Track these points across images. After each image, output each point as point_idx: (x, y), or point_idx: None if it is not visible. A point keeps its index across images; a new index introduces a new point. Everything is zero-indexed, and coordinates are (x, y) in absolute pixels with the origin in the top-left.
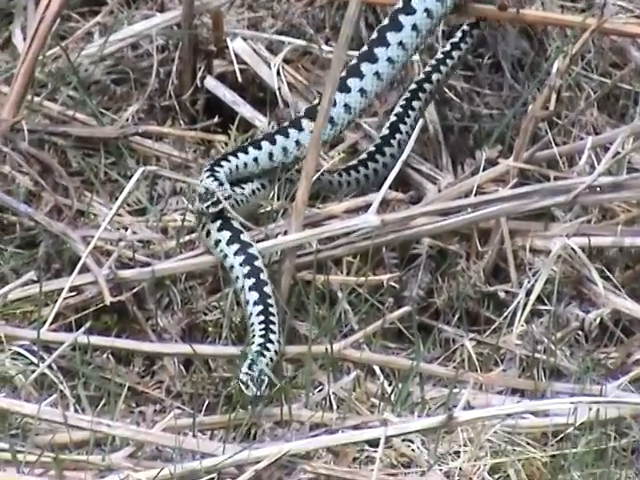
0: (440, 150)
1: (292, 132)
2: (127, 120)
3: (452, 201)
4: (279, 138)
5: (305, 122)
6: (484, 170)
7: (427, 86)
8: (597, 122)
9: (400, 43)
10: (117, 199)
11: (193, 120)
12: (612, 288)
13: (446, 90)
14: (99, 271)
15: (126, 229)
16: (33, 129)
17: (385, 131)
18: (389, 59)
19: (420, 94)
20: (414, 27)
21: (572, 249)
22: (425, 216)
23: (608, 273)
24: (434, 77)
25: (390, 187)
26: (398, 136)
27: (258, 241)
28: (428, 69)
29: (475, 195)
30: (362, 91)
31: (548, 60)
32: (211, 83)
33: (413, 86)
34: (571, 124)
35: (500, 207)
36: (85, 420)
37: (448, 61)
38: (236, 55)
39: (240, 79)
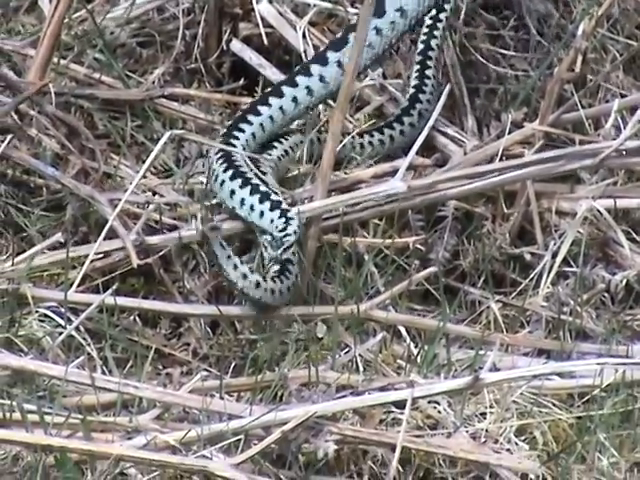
0: (466, 113)
1: (315, 67)
2: (153, 83)
3: (478, 166)
4: (300, 79)
5: (330, 54)
6: (510, 133)
7: (431, 53)
8: (623, 84)
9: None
10: (144, 162)
11: (219, 83)
12: (638, 250)
13: (472, 52)
14: (127, 236)
15: (153, 192)
16: (59, 92)
17: (405, 103)
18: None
19: (428, 62)
20: None
21: (598, 211)
22: (451, 181)
23: (634, 235)
24: (433, 43)
25: (416, 151)
26: (418, 106)
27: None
28: (423, 37)
29: (501, 157)
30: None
31: (574, 22)
32: (237, 46)
33: (418, 57)
34: (597, 86)
35: (526, 171)
36: (112, 382)
37: (438, 24)
38: (262, 18)
39: (266, 42)
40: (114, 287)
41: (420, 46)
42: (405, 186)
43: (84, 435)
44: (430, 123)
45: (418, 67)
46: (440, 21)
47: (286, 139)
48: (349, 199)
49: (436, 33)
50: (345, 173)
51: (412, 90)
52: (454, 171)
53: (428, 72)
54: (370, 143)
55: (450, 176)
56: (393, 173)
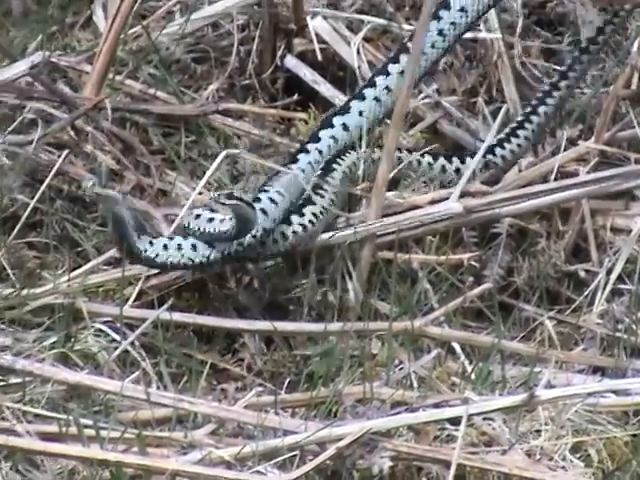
0: None
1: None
2: (207, 98)
3: (533, 186)
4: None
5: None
6: (565, 150)
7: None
8: None
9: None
10: (198, 177)
11: (273, 99)
12: None
13: (526, 68)
14: None
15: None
16: (115, 107)
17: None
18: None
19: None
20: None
21: None
22: (507, 202)
23: None
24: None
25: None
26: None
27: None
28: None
29: (556, 174)
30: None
31: (629, 39)
32: (291, 62)
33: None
34: None
35: (581, 190)
36: (167, 397)
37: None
38: (316, 34)
39: (320, 58)
40: (169, 303)
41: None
42: (461, 207)
43: (140, 450)
44: (485, 144)
45: (535, 102)
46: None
47: (342, 159)
48: (404, 220)
49: (571, 75)
50: (402, 198)
51: (514, 123)
52: (510, 191)
53: (533, 118)
54: (430, 165)
55: (506, 196)
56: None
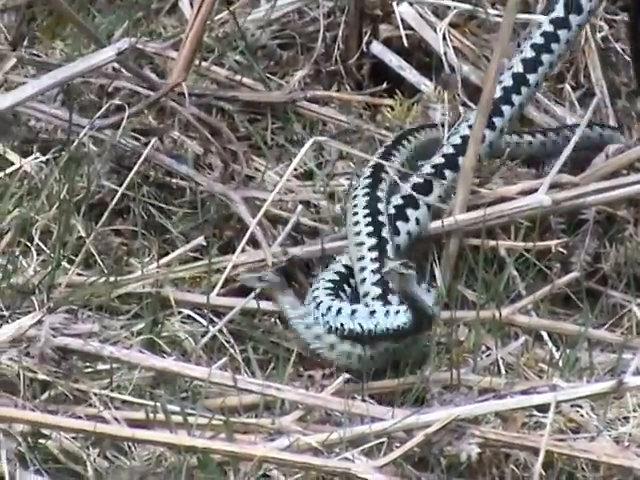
0: (607, 115)
1: None
2: (294, 85)
3: (622, 177)
4: None
5: None
6: None
7: None
8: None
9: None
10: (284, 164)
11: (359, 85)
12: None
13: (614, 53)
14: (267, 248)
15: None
16: (201, 94)
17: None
18: None
19: None
20: None
21: None
22: (596, 193)
23: None
24: None
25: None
26: None
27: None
28: None
29: None
30: None
31: None
32: (377, 48)
33: None
34: None
35: None
36: (255, 384)
37: None
38: (402, 20)
39: (406, 44)
40: (257, 291)
41: None
42: (550, 200)
43: (227, 436)
44: (576, 136)
45: None
46: None
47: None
48: (492, 213)
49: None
50: (489, 189)
51: None
52: (599, 183)
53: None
54: (517, 144)
55: (595, 188)
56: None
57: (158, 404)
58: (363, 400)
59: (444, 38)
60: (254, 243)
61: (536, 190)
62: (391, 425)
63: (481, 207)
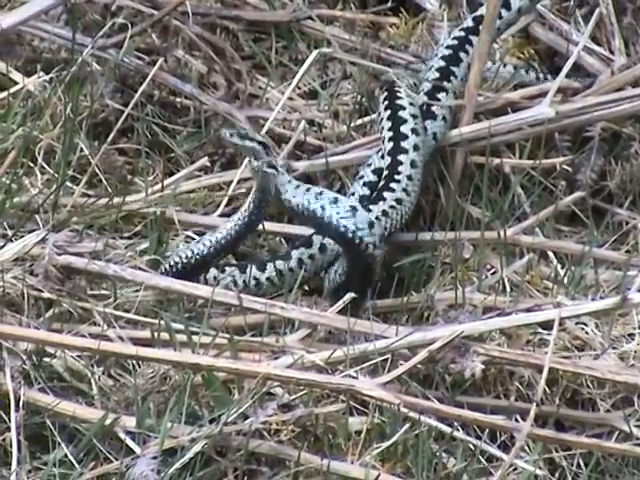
0: (613, 32)
1: None
2: (299, 4)
3: (626, 90)
4: None
5: None
6: None
7: None
8: None
9: None
10: (288, 82)
11: (363, 3)
12: None
13: None
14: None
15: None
16: (205, 13)
17: None
18: None
19: None
20: None
21: None
22: (600, 106)
23: None
24: None
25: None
26: None
27: None
28: None
29: None
30: None
31: None
32: None
33: None
34: None
35: None
36: (259, 302)
37: None
38: None
39: None
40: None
41: None
42: (553, 112)
43: (231, 354)
44: (580, 46)
45: None
46: None
47: None
48: (496, 124)
49: None
50: (493, 93)
51: None
52: (602, 96)
53: None
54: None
55: (599, 101)
56: (541, 95)
57: (162, 322)
58: (368, 318)
59: None
60: None
61: (540, 96)
62: (394, 342)
63: (486, 116)
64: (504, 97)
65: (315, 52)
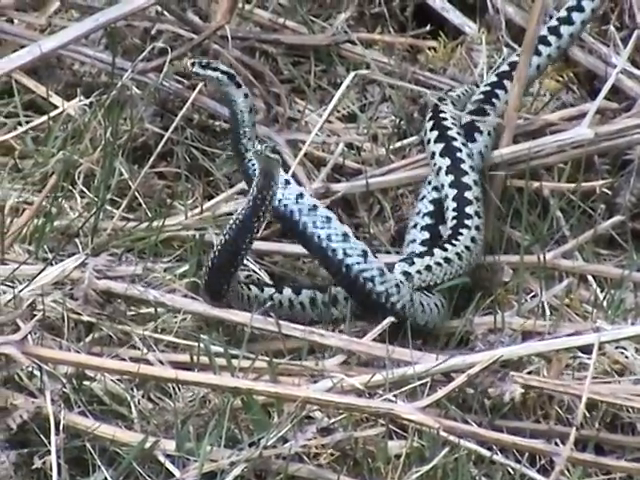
0: None
1: None
2: (337, 28)
3: None
4: None
5: None
6: None
7: None
8: None
9: None
10: (326, 106)
11: (402, 27)
12: None
13: None
14: (309, 186)
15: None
16: (244, 37)
17: None
18: None
19: None
20: None
21: None
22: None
23: None
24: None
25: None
26: None
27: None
28: None
29: None
30: None
31: None
32: None
33: None
34: None
35: None
36: (298, 329)
37: None
38: None
39: None
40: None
41: None
42: (592, 133)
43: (271, 378)
44: (618, 68)
45: None
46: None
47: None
48: (535, 146)
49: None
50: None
51: None
52: None
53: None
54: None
55: (638, 123)
56: (580, 117)
57: (202, 346)
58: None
59: None
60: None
61: (579, 117)
62: (434, 366)
63: (524, 138)
64: (542, 119)
65: (352, 74)
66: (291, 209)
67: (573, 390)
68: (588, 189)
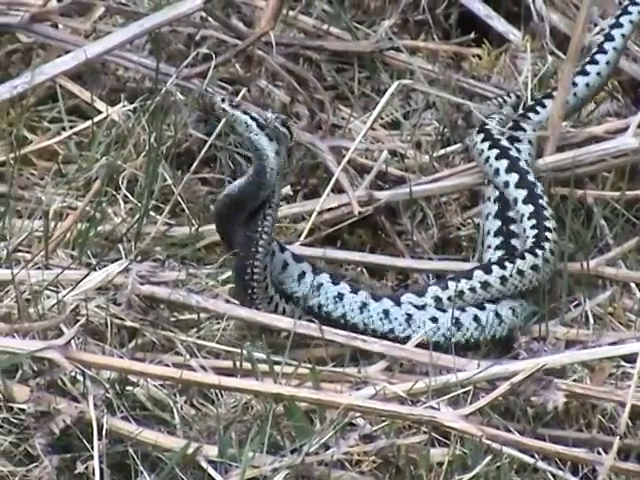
0: None
1: None
2: (381, 35)
3: None
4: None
5: None
6: None
7: None
8: None
9: None
10: (370, 113)
11: (446, 34)
12: None
13: None
14: (352, 193)
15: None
16: (288, 43)
17: None
18: None
19: None
20: None
21: None
22: None
23: None
24: None
25: None
26: None
27: None
28: None
29: None
30: None
31: None
32: None
33: None
34: None
35: None
36: (340, 335)
37: None
38: None
39: None
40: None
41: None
42: (636, 142)
43: (313, 385)
44: None
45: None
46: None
47: None
48: (580, 155)
49: None
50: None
51: None
52: None
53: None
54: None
55: None
56: (625, 130)
57: (245, 352)
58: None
59: None
60: (340, 191)
61: (624, 130)
62: (477, 373)
63: (569, 148)
64: (587, 131)
65: (395, 83)
66: None
67: (617, 398)
68: (632, 197)
